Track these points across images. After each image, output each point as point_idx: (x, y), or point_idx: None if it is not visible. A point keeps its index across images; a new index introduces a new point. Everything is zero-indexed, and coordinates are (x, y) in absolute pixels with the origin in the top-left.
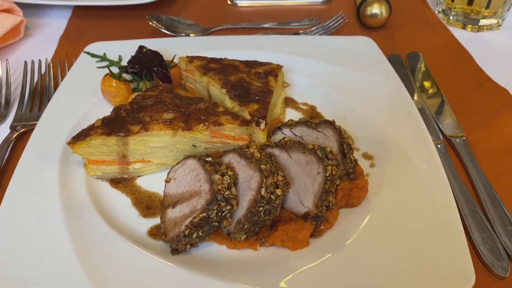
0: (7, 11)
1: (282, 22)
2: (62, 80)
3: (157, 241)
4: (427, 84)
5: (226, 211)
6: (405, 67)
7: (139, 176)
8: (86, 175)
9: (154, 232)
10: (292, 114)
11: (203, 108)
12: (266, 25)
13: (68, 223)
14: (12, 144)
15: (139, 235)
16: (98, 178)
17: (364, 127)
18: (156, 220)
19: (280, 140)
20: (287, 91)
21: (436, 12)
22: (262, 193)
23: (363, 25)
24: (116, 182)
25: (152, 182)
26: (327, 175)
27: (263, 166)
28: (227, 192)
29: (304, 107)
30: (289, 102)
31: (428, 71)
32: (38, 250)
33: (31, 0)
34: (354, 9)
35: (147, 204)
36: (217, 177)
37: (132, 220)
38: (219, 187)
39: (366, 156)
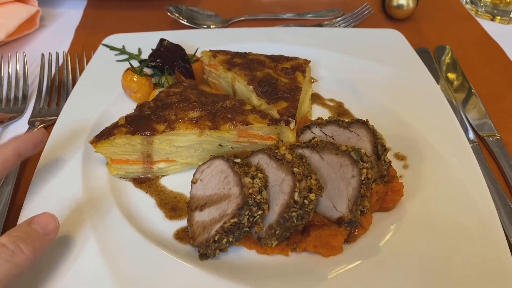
0: (23, 1)
1: (304, 13)
2: (80, 73)
3: (183, 244)
4: (457, 79)
5: (258, 216)
6: (433, 61)
7: (163, 175)
8: (109, 174)
9: (181, 236)
10: (319, 111)
11: (229, 106)
12: (287, 16)
13: (93, 224)
14: None
15: (165, 238)
16: (121, 178)
17: (395, 125)
18: (182, 223)
19: (310, 140)
20: (313, 87)
21: (464, 2)
22: (296, 197)
23: (388, 16)
24: (139, 182)
25: (177, 182)
26: (362, 178)
27: (295, 169)
28: (259, 196)
29: (331, 104)
30: (315, 98)
31: (458, 66)
32: (63, 251)
33: None
34: None
35: (172, 206)
36: (247, 180)
37: (158, 223)
38: (250, 190)
39: (399, 156)
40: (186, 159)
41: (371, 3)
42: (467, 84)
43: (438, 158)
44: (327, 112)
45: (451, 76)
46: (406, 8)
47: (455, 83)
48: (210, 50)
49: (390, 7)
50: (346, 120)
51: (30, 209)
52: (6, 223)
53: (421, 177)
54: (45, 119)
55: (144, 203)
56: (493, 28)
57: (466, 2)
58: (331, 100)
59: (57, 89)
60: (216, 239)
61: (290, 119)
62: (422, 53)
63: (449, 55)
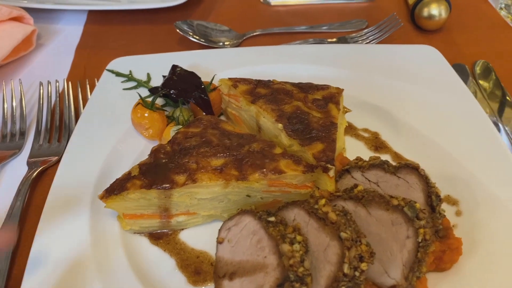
0: (17, 19)
1: (325, 25)
2: (83, 102)
3: None
4: (502, 102)
5: None
6: (471, 78)
7: (183, 229)
8: (121, 228)
9: None
10: (352, 144)
11: (257, 150)
12: (307, 29)
13: None
14: (30, 184)
15: None
16: (134, 233)
17: (441, 160)
18: None
19: (352, 188)
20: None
21: (498, 8)
22: (345, 270)
23: (417, 27)
24: (156, 237)
25: (199, 237)
26: (419, 240)
27: (343, 234)
28: (301, 269)
29: (366, 135)
30: (347, 128)
31: (501, 86)
32: None
33: (41, 5)
34: (403, 7)
35: (195, 268)
36: (286, 247)
37: None
38: (291, 262)
39: (450, 200)
40: (209, 211)
41: (395, 11)
42: None
43: (494, 201)
44: (362, 145)
45: (495, 98)
46: (438, 18)
47: (501, 106)
48: (229, 79)
49: (420, 18)
50: (393, 164)
51: (33, 269)
52: (10, 273)
53: (478, 226)
54: (46, 160)
55: (163, 264)
56: None
57: (501, 8)
58: (365, 130)
59: (58, 123)
60: None
61: (329, 165)
62: (459, 69)
63: (488, 70)
